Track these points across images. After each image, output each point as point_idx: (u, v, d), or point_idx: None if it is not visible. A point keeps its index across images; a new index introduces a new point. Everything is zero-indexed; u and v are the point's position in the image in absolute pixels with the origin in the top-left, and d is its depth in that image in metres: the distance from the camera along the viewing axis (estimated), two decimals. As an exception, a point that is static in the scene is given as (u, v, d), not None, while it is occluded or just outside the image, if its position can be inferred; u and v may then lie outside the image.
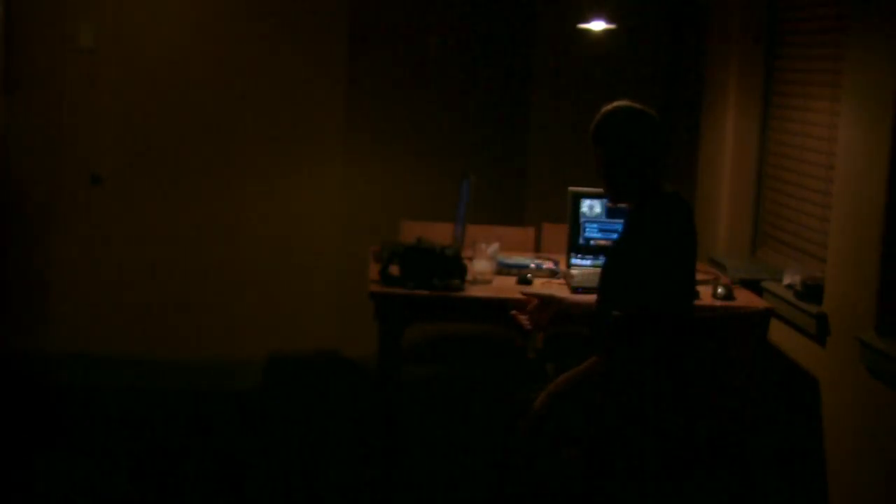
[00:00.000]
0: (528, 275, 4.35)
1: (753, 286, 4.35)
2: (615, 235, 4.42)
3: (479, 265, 4.30)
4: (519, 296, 3.82)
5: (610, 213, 4.54)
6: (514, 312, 3.73)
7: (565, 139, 5.64)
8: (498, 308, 4.14)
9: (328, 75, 5.82)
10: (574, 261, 4.58)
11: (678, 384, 3.40)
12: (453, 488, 4.46)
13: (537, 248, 5.03)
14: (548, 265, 4.54)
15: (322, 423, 5.15)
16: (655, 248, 3.34)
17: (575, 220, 4.57)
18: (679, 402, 3.42)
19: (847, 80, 3.81)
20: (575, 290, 4.13)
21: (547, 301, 3.70)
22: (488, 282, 4.28)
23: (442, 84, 5.86)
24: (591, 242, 4.57)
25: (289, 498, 4.32)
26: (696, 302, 3.75)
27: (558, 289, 4.18)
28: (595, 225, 4.57)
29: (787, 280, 4.19)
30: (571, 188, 4.57)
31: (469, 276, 4.21)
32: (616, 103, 3.50)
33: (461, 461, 4.71)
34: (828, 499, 3.82)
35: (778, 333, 4.23)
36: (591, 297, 3.67)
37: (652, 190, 3.44)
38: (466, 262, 4.22)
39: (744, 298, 4.18)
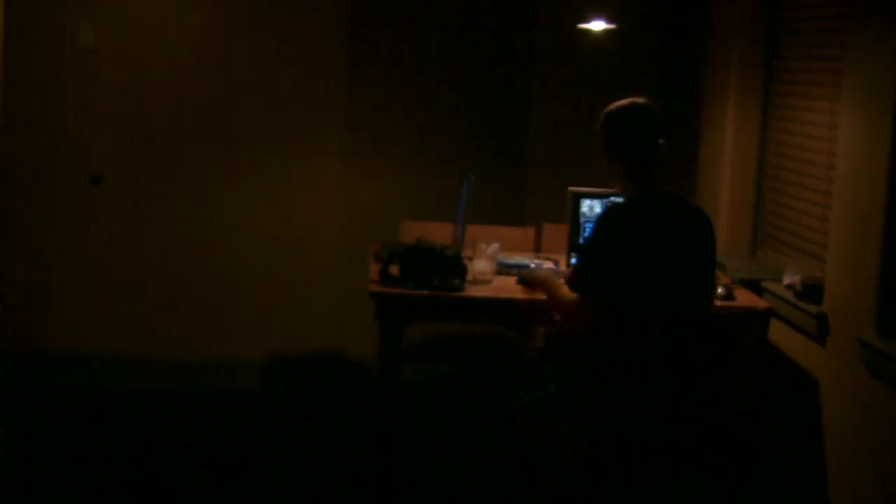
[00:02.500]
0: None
1: (753, 286, 4.35)
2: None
3: (479, 265, 4.30)
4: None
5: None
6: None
7: (565, 139, 5.64)
8: (498, 308, 4.15)
9: (328, 75, 5.82)
10: (574, 261, 4.58)
11: (668, 383, 3.39)
12: (453, 488, 4.46)
13: (537, 248, 5.03)
14: (548, 265, 4.54)
15: (322, 423, 5.15)
16: (601, 243, 3.40)
17: (575, 220, 4.57)
18: (676, 400, 3.42)
19: (847, 80, 3.81)
20: (575, 290, 4.13)
21: None
22: (488, 282, 4.28)
23: (442, 84, 5.86)
24: (591, 242, 4.57)
25: (289, 498, 4.32)
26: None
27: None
28: (595, 225, 4.56)
29: (787, 280, 4.19)
30: (571, 188, 4.57)
31: (469, 276, 4.21)
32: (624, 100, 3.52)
33: (461, 461, 4.72)
34: (828, 499, 3.82)
35: (778, 333, 4.23)
36: None
37: (638, 187, 3.45)
38: (466, 262, 4.22)
39: (744, 298, 4.18)
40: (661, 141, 3.45)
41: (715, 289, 3.63)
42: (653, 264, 3.38)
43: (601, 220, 3.42)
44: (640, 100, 3.48)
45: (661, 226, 3.42)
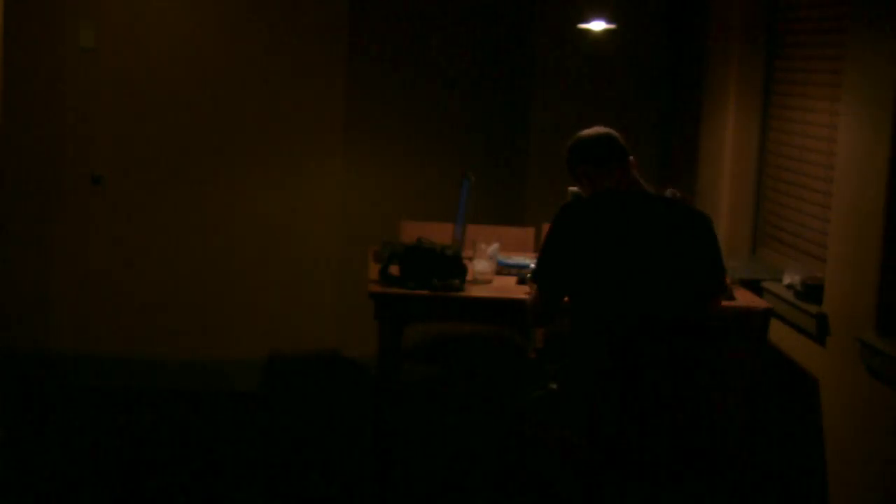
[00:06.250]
0: (528, 275, 4.35)
1: (753, 286, 4.35)
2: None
3: (479, 265, 4.30)
4: None
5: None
6: None
7: (565, 139, 5.62)
8: (498, 308, 4.15)
9: (328, 75, 5.82)
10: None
11: (647, 383, 3.38)
12: (453, 488, 4.46)
13: (537, 248, 5.03)
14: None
15: (322, 423, 5.15)
16: (550, 238, 3.54)
17: (575, 220, 4.56)
18: (660, 401, 3.41)
19: (847, 80, 3.81)
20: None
21: None
22: (488, 282, 4.29)
23: (442, 84, 5.86)
24: (591, 242, 4.56)
25: (289, 498, 4.32)
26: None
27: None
28: (595, 225, 4.56)
29: (787, 280, 4.19)
30: (571, 188, 4.57)
31: (469, 276, 4.21)
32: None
33: (461, 461, 4.72)
34: (828, 499, 3.82)
35: (778, 333, 4.23)
36: None
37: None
38: (466, 262, 4.23)
39: (744, 298, 4.18)
40: (630, 158, 3.57)
41: (715, 289, 3.60)
42: (604, 261, 3.39)
43: (555, 217, 3.53)
44: (602, 129, 3.63)
45: (616, 223, 3.43)
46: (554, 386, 3.59)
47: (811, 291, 3.98)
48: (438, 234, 4.70)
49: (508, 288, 4.24)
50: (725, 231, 4.91)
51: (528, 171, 5.82)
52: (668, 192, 3.89)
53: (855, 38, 3.76)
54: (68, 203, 5.74)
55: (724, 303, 4.06)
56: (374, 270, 4.29)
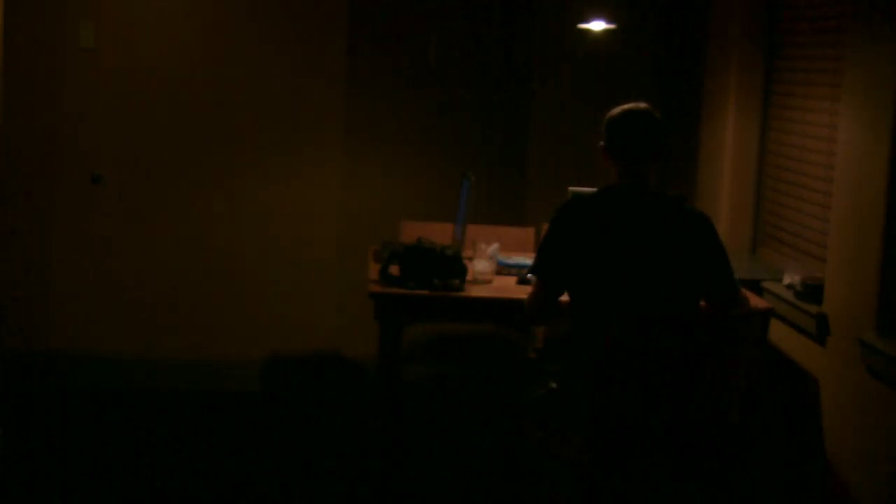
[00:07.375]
0: (528, 275, 4.35)
1: (753, 286, 4.36)
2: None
3: (479, 265, 4.30)
4: None
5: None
6: None
7: (565, 139, 5.64)
8: (498, 308, 4.15)
9: (328, 75, 5.81)
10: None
11: (644, 380, 3.38)
12: (454, 488, 4.46)
13: (537, 249, 5.03)
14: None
15: (322, 423, 5.15)
16: (550, 231, 3.54)
17: (575, 220, 4.56)
18: (675, 400, 3.41)
19: (847, 80, 3.82)
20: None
21: None
22: (488, 282, 4.29)
23: (442, 84, 5.86)
24: (591, 242, 4.56)
25: (289, 498, 4.32)
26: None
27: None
28: (595, 225, 4.56)
29: (787, 280, 4.19)
30: (571, 188, 4.57)
31: (469, 276, 4.21)
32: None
33: (461, 461, 4.72)
34: (828, 499, 3.82)
35: (778, 333, 4.23)
36: None
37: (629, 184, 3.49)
38: (466, 262, 4.23)
39: (744, 298, 4.17)
40: (663, 142, 3.48)
41: (727, 300, 3.59)
42: (604, 259, 3.38)
43: (555, 212, 3.51)
44: (642, 105, 3.50)
45: (616, 221, 3.41)
46: (554, 386, 3.59)
47: (811, 291, 3.99)
48: (438, 234, 4.70)
49: (508, 288, 4.25)
50: (725, 231, 4.91)
51: (528, 171, 5.83)
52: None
53: (855, 38, 3.76)
54: (68, 203, 5.74)
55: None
56: (374, 270, 4.29)
